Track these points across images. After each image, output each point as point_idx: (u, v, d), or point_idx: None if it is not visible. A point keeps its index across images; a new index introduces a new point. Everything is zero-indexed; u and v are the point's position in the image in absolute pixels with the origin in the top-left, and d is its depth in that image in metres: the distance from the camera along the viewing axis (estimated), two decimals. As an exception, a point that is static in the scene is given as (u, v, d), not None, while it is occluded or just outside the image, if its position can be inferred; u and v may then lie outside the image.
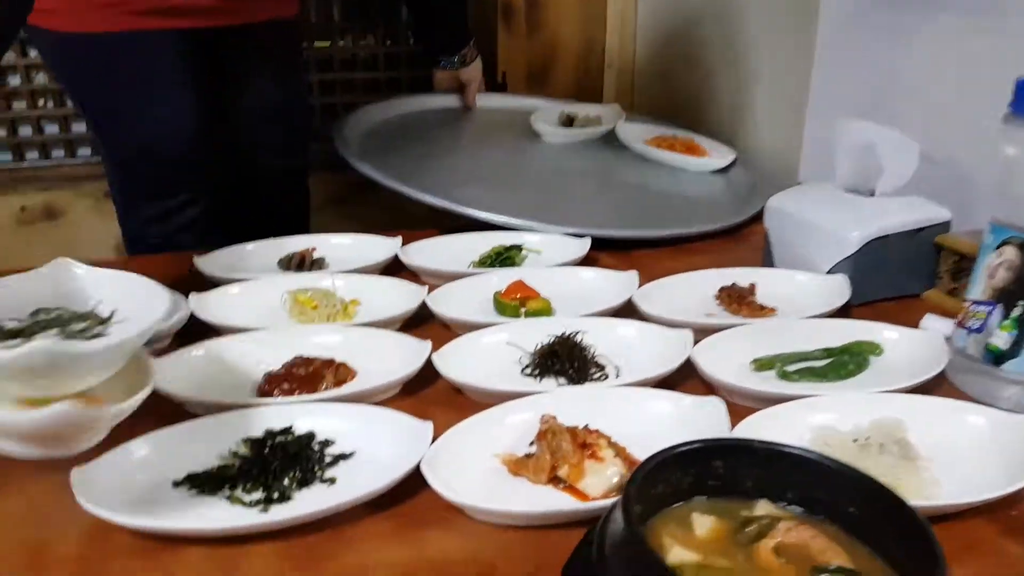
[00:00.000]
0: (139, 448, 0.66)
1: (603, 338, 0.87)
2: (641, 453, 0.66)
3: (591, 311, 0.95)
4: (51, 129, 1.83)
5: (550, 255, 1.19)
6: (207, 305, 0.97)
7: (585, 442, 0.65)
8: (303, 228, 1.50)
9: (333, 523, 0.61)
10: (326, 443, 0.70)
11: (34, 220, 1.77)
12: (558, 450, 0.64)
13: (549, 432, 0.65)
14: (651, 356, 0.84)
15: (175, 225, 1.33)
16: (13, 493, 0.65)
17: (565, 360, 0.82)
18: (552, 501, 0.62)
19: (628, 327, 0.90)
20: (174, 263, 1.15)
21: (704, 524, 0.48)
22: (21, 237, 1.76)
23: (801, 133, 1.43)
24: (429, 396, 0.81)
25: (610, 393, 0.76)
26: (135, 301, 0.72)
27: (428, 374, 0.82)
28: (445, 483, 0.61)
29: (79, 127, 1.82)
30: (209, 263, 1.10)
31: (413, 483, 0.63)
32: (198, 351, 0.84)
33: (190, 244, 1.29)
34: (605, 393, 0.76)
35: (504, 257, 1.15)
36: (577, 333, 0.86)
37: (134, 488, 0.63)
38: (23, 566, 0.56)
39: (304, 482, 0.65)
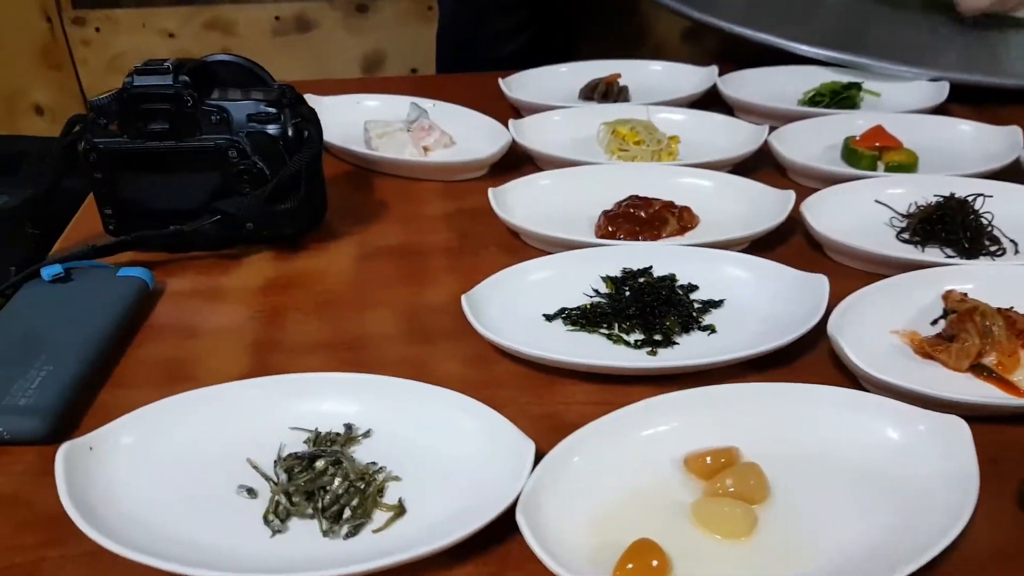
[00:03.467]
0: (504, 279, 0.65)
1: (991, 205, 0.74)
2: (1077, 349, 0.56)
3: (966, 171, 0.81)
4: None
5: (891, 100, 1.04)
6: (525, 132, 0.93)
7: (1023, 328, 0.55)
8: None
9: (715, 376, 0.56)
10: (690, 288, 0.66)
11: (287, 32, 1.80)
12: (987, 334, 0.55)
13: (977, 313, 0.56)
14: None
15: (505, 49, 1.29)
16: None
17: (958, 227, 0.71)
18: (981, 391, 0.54)
19: (1025, 193, 0.76)
20: (475, 83, 1.13)
21: None
22: (275, 47, 1.79)
23: None
24: (785, 255, 0.73)
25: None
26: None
27: (787, 228, 0.74)
28: (851, 348, 0.54)
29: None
30: (516, 85, 1.06)
31: (804, 343, 0.58)
32: (542, 180, 0.81)
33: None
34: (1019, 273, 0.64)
35: (842, 97, 1.01)
36: (973, 196, 0.73)
37: (511, 317, 0.62)
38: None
39: (685, 327, 0.61)
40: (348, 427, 0.50)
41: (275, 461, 0.48)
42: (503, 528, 0.42)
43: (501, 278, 0.65)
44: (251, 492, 0.46)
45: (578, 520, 0.43)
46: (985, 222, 0.72)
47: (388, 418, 0.51)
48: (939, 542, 0.39)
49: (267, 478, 0.47)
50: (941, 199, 0.74)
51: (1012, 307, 0.58)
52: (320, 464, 0.47)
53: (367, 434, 0.50)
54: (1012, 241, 0.72)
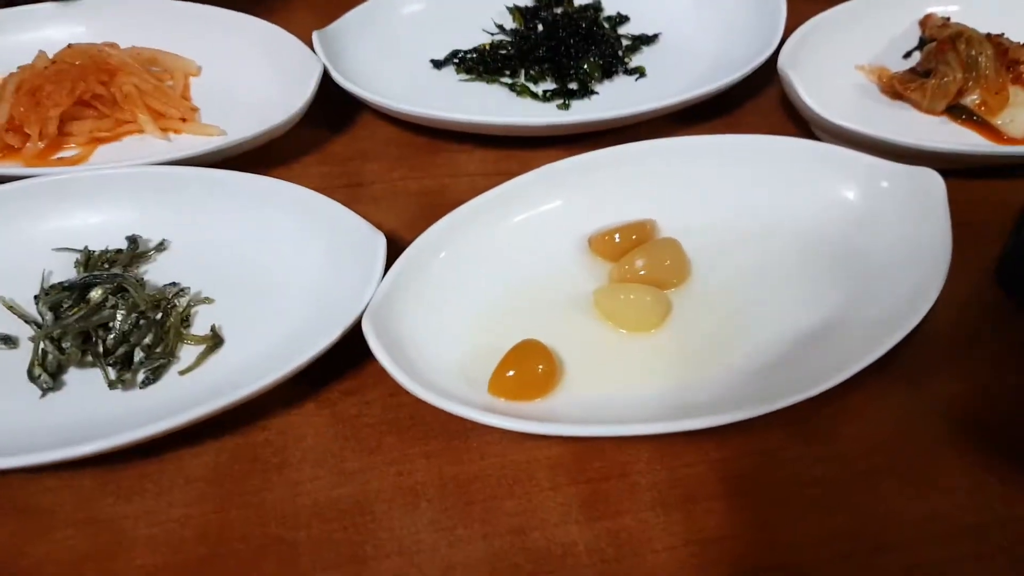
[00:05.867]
0: (377, 10, 0.51)
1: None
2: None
3: None
4: None
5: None
6: None
7: (1017, 59, 0.44)
8: None
9: (641, 133, 0.45)
10: (619, 19, 0.53)
11: None
12: (972, 66, 0.44)
13: (961, 39, 0.45)
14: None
15: None
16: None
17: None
18: (958, 137, 0.44)
19: None
20: None
21: None
22: None
23: None
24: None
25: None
26: None
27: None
28: (805, 88, 0.43)
29: None
30: None
31: (751, 84, 0.47)
32: None
33: None
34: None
35: None
36: None
37: (386, 63, 0.49)
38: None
39: (607, 71, 0.49)
40: (133, 240, 0.38)
41: (36, 297, 0.36)
42: (360, 343, 0.33)
43: (372, 8, 0.51)
44: (8, 341, 0.34)
45: (448, 325, 0.34)
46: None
47: (189, 222, 0.38)
48: (895, 333, 0.31)
49: (27, 320, 0.35)
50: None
51: (1003, 33, 0.47)
52: (96, 294, 0.35)
53: (161, 247, 0.38)
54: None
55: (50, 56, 0.46)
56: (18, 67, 0.46)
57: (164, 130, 0.45)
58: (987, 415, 0.33)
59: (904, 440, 0.32)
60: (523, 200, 0.38)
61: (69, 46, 0.46)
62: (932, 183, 0.36)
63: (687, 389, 0.32)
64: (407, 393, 0.32)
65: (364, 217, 0.36)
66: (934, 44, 0.46)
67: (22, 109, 0.43)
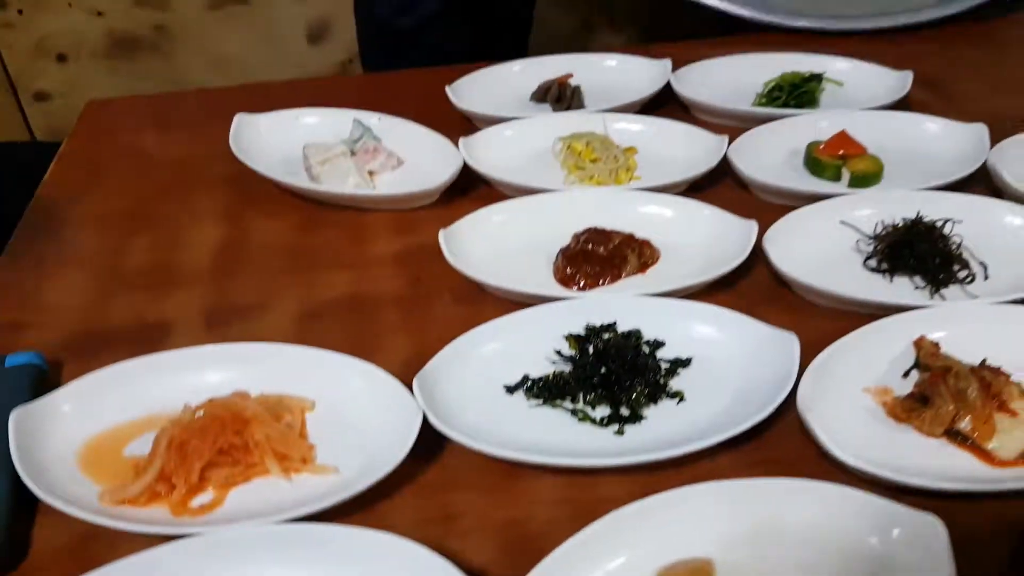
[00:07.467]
0: (459, 351, 0.61)
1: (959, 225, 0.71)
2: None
3: (934, 182, 0.78)
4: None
5: (854, 90, 1.00)
6: (476, 150, 0.87)
7: (998, 391, 0.53)
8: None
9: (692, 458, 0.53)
10: (656, 344, 0.63)
11: (224, 3, 1.68)
12: (962, 398, 0.53)
13: (951, 374, 0.54)
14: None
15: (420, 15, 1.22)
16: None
17: (926, 254, 0.68)
18: (955, 462, 0.52)
19: (1001, 211, 0.73)
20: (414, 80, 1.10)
21: None
22: (213, 21, 1.62)
23: None
24: (750, 291, 0.70)
25: (1002, 313, 0.62)
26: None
27: (751, 261, 0.71)
28: (822, 426, 0.52)
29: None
30: (463, 92, 1.00)
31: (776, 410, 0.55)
32: (495, 216, 0.77)
33: (437, 39, 1.21)
34: (993, 313, 0.62)
35: (801, 91, 0.97)
36: (943, 222, 0.70)
37: (469, 393, 0.58)
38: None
39: (652, 397, 0.58)
40: None
41: None
42: None
43: (456, 351, 0.61)
44: None
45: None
46: (954, 245, 0.69)
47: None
48: None
49: None
50: (909, 222, 0.71)
51: (985, 359, 0.56)
52: None
53: None
54: (981, 264, 0.70)
55: (192, 405, 0.56)
56: (169, 421, 0.55)
57: (286, 471, 0.54)
58: None
59: None
60: (596, 553, 0.45)
61: (210, 400, 0.56)
62: (935, 532, 0.43)
63: None
64: None
65: (458, 554, 0.44)
66: (928, 375, 0.56)
67: (172, 464, 0.53)
